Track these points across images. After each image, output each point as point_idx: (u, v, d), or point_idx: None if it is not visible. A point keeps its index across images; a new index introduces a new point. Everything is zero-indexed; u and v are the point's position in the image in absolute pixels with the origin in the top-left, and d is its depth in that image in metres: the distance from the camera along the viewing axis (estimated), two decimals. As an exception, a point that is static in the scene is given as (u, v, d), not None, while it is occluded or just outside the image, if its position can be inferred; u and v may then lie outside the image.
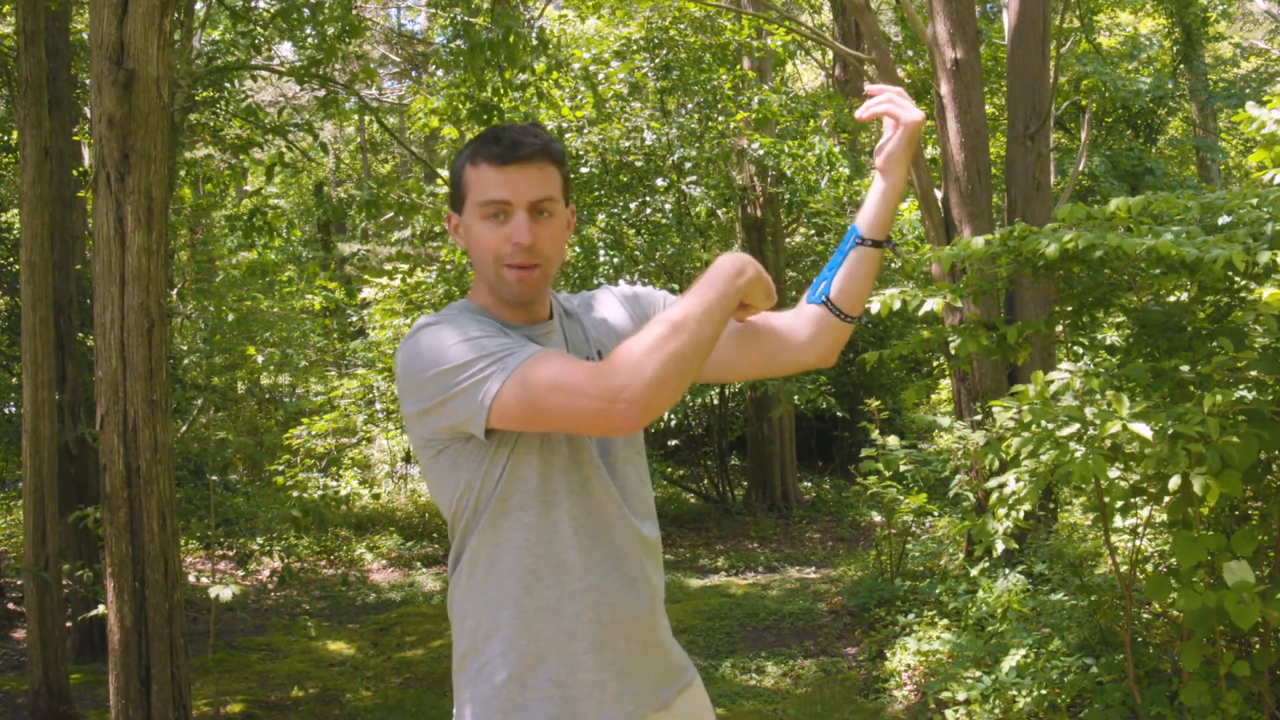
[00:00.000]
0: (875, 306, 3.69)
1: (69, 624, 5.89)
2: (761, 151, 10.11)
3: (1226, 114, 16.35)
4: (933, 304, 3.59)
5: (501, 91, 7.38)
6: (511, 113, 8.80)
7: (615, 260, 10.07)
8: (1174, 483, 2.77)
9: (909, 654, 5.39)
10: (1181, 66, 15.05)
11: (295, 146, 7.71)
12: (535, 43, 6.57)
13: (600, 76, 10.01)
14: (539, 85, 8.72)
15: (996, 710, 4.29)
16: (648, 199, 10.40)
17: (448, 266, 11.27)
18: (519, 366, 1.48)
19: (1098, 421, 2.86)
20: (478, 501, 1.62)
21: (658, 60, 10.31)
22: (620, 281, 1.51)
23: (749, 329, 1.78)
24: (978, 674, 4.58)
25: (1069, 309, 3.95)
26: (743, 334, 1.78)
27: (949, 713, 4.50)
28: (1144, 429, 2.74)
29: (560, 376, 1.46)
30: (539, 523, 1.61)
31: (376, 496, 11.38)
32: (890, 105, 1.74)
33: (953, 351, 3.90)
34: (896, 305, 3.63)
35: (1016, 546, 4.49)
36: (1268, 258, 2.81)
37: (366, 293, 11.85)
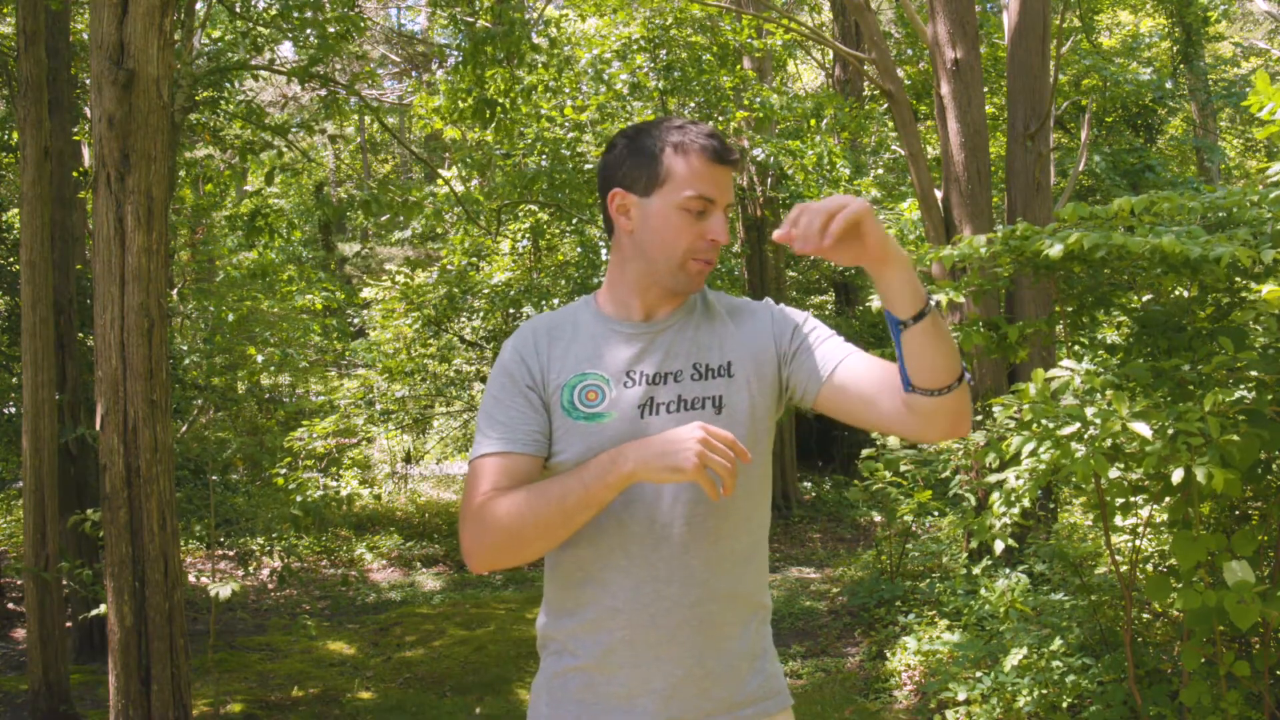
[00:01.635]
0: (876, 304, 3.69)
1: (69, 624, 5.89)
2: (765, 153, 10.11)
3: (1227, 114, 16.35)
4: (935, 299, 3.59)
5: (510, 92, 7.38)
6: (514, 112, 8.81)
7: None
8: (1178, 476, 2.75)
9: (909, 654, 5.38)
10: (1181, 66, 15.05)
11: (295, 146, 7.71)
12: (538, 40, 6.57)
13: (604, 76, 10.02)
14: (546, 83, 8.72)
15: (997, 710, 4.29)
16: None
17: (448, 268, 11.27)
18: (475, 459, 1.66)
19: (1098, 421, 2.86)
20: None
21: (659, 60, 10.31)
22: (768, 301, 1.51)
23: (851, 389, 1.67)
24: (978, 674, 4.58)
25: (1069, 309, 3.95)
26: (845, 390, 1.68)
27: (949, 713, 4.49)
28: (1144, 428, 2.74)
29: (467, 490, 1.64)
30: (586, 535, 1.63)
31: (378, 497, 11.39)
32: (834, 223, 1.45)
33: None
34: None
35: (1015, 545, 4.49)
36: (1271, 256, 2.81)
37: (367, 292, 11.86)
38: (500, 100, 7.41)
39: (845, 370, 1.67)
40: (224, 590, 4.58)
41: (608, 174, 1.71)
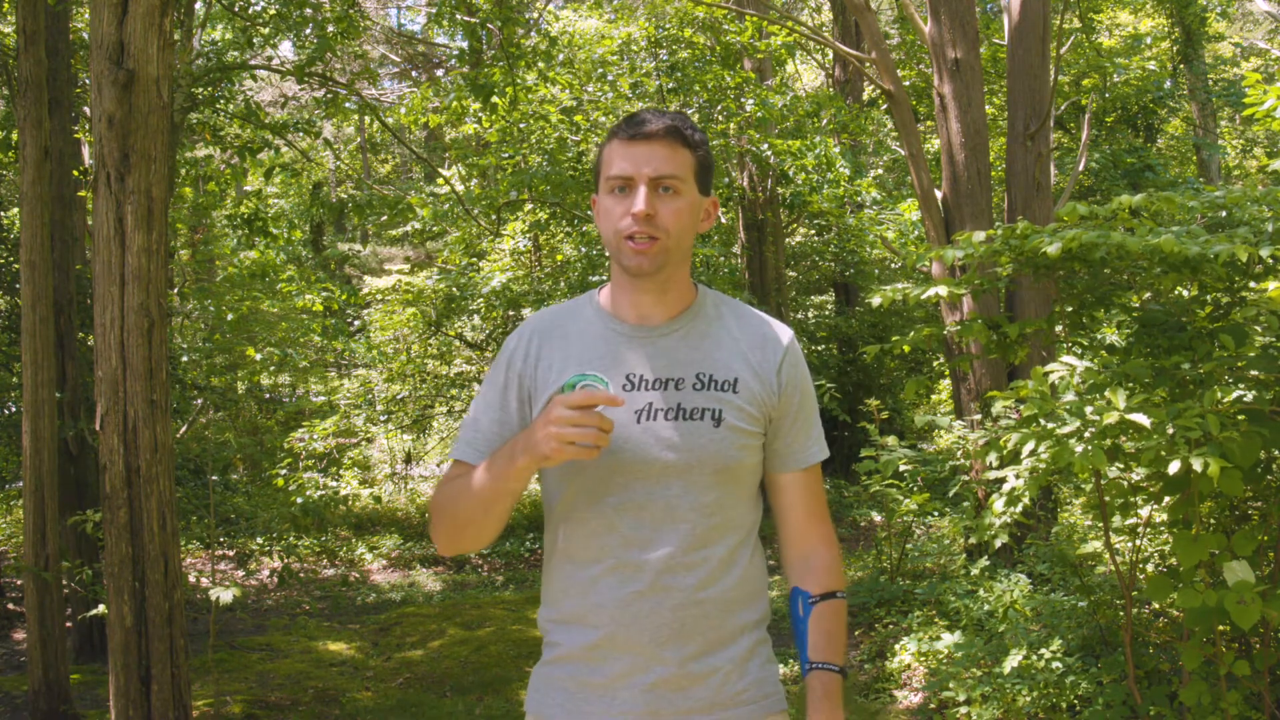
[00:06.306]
0: (877, 300, 3.69)
1: (69, 624, 5.88)
2: (770, 154, 10.10)
3: (1227, 114, 16.35)
4: (937, 290, 3.58)
5: (510, 88, 7.38)
6: (514, 112, 8.81)
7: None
8: (1174, 467, 2.73)
9: (909, 654, 5.38)
10: (1181, 66, 15.05)
11: (295, 146, 7.71)
12: (538, 41, 6.58)
13: (609, 78, 10.02)
14: (546, 76, 8.73)
15: (996, 710, 4.29)
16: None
17: (449, 268, 11.26)
18: (451, 455, 1.79)
19: (1096, 416, 2.86)
20: (548, 497, 1.77)
21: (660, 61, 10.31)
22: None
23: (785, 497, 1.81)
24: (978, 674, 4.58)
25: (1069, 309, 3.95)
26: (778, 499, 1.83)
27: (949, 713, 4.49)
28: (1142, 419, 2.73)
29: (439, 485, 1.76)
30: (577, 538, 1.71)
31: (377, 498, 11.38)
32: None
33: (954, 341, 3.90)
34: (899, 298, 3.63)
35: (1013, 543, 4.49)
36: (1269, 252, 2.81)
37: (366, 293, 11.85)
38: (497, 87, 7.40)
39: (795, 480, 1.78)
40: (225, 595, 4.58)
41: None
